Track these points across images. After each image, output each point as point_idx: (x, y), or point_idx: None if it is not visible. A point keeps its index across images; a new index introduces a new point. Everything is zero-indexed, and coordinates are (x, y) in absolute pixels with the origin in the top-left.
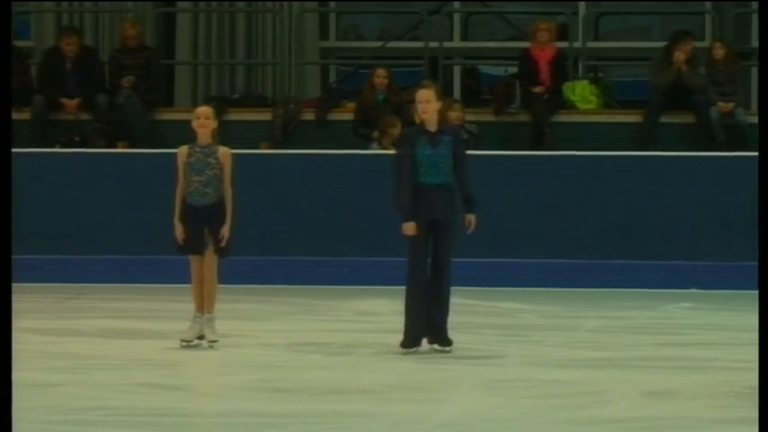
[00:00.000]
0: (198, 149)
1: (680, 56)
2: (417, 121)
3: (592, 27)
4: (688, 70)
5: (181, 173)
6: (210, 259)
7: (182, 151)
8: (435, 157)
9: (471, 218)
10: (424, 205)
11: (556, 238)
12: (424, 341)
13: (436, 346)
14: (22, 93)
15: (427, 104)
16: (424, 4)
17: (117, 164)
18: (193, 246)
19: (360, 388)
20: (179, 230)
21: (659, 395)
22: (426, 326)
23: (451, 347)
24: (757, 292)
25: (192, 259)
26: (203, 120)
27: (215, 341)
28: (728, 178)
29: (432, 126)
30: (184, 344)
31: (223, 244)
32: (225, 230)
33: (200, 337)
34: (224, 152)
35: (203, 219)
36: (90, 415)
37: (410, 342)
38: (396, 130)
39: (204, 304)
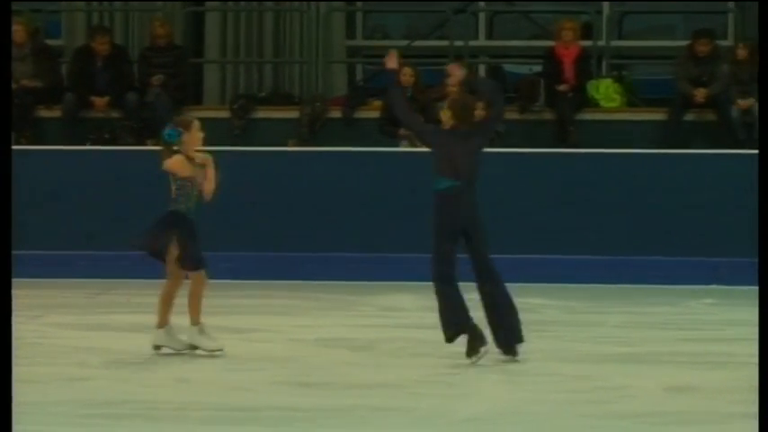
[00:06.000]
0: (195, 164)
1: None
2: (444, 119)
3: (616, 26)
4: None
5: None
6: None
7: (184, 162)
8: None
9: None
10: (447, 215)
11: (579, 234)
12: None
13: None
14: (52, 91)
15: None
16: (450, 3)
17: (146, 161)
18: (162, 252)
19: (385, 383)
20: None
21: (682, 390)
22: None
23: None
24: None
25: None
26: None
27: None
28: (750, 175)
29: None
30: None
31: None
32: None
33: (194, 347)
34: (204, 158)
35: (191, 229)
36: (119, 409)
37: (451, 332)
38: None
39: (192, 317)
